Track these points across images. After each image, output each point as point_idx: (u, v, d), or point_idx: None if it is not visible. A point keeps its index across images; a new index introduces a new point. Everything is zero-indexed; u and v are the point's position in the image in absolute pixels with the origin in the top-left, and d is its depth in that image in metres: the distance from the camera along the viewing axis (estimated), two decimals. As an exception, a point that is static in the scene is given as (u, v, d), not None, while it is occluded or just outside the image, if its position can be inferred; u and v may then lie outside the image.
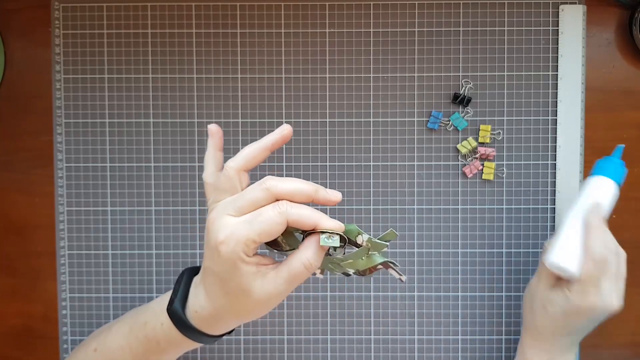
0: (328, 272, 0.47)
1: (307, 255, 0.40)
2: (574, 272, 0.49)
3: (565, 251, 0.50)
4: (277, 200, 0.40)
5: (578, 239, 0.50)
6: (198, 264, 0.62)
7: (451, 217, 0.61)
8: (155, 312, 0.46)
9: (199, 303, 0.43)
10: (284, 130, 0.43)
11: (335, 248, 0.41)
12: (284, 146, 0.61)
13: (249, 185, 0.42)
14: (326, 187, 0.61)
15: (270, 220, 0.39)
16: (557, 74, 0.60)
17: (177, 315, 0.44)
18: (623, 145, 0.53)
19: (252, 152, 0.42)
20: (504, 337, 0.62)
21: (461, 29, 0.60)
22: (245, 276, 0.40)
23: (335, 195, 0.41)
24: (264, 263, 0.41)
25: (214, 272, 0.41)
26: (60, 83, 0.61)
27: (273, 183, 0.40)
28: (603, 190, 0.52)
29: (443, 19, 0.60)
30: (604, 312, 0.49)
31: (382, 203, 0.61)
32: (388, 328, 0.62)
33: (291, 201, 0.40)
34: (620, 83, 0.61)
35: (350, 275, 0.43)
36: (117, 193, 0.61)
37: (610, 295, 0.48)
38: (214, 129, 0.45)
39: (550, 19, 0.60)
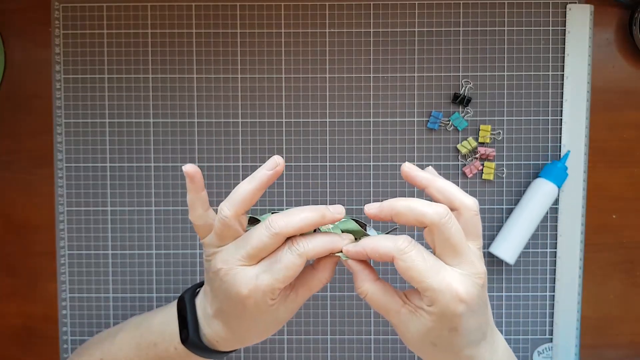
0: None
1: (325, 275, 0.41)
2: (509, 262, 0.59)
3: (503, 244, 0.59)
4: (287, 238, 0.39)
5: (516, 235, 0.58)
6: (198, 265, 0.62)
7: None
8: (163, 335, 0.46)
9: (218, 334, 0.43)
10: (277, 165, 0.39)
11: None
12: (284, 146, 0.61)
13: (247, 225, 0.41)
14: (326, 187, 0.61)
15: (291, 264, 0.38)
16: (562, 74, 0.60)
17: (197, 346, 0.43)
18: (569, 151, 0.59)
19: (246, 194, 0.39)
20: (503, 337, 0.62)
21: (461, 29, 0.60)
22: (271, 312, 0.40)
23: (339, 212, 0.40)
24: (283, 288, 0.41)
25: (236, 316, 0.41)
26: (60, 83, 0.61)
27: (281, 224, 0.38)
28: (544, 193, 0.58)
29: (443, 19, 0.60)
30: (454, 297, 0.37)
31: (382, 203, 0.61)
32: (388, 328, 0.62)
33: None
34: (620, 83, 0.61)
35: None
36: (117, 193, 0.61)
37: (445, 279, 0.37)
38: (191, 172, 0.41)
39: (559, 19, 0.60)
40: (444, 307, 0.37)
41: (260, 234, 0.38)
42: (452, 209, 0.38)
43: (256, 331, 0.42)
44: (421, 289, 0.37)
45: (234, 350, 0.46)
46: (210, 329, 0.43)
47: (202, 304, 0.44)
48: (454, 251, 0.37)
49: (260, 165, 0.59)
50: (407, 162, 0.41)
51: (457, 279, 0.37)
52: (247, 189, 0.39)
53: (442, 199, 0.39)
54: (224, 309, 0.41)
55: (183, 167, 0.41)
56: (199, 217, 0.42)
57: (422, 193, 0.61)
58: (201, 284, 0.46)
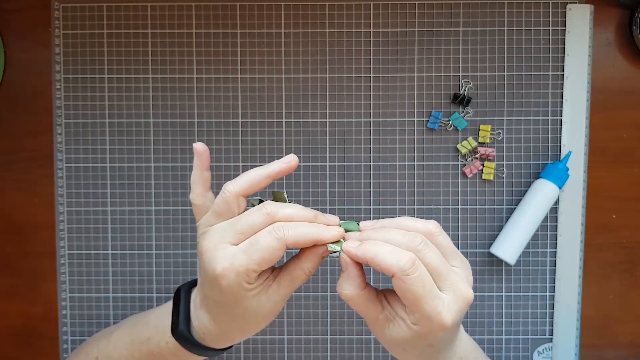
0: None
1: (308, 266, 0.40)
2: (510, 262, 0.58)
3: (504, 245, 0.59)
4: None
5: (517, 235, 0.58)
6: (198, 265, 0.62)
7: (451, 217, 0.61)
8: (157, 329, 0.46)
9: (205, 326, 0.43)
10: (291, 161, 0.40)
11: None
12: (284, 146, 0.61)
13: (245, 210, 0.40)
14: (326, 187, 0.61)
15: (268, 247, 0.37)
16: (562, 74, 0.60)
17: (185, 338, 0.43)
18: (570, 152, 0.59)
19: (255, 178, 0.40)
20: (503, 337, 0.62)
21: (461, 29, 0.60)
22: (250, 300, 0.39)
23: (333, 220, 0.40)
24: (264, 277, 0.40)
25: (216, 302, 0.41)
26: (60, 83, 0.61)
27: (274, 209, 0.38)
28: (545, 193, 0.58)
29: (443, 19, 0.60)
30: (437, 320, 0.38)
31: (382, 203, 0.61)
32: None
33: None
34: (620, 83, 0.61)
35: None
36: (117, 193, 0.61)
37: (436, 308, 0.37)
38: (200, 149, 0.42)
39: (559, 19, 0.60)
40: (427, 331, 0.37)
41: (251, 213, 0.38)
42: None
43: (238, 324, 0.42)
44: (411, 309, 0.37)
45: (224, 350, 0.45)
46: (198, 320, 0.43)
47: (195, 296, 0.44)
48: (437, 275, 0.38)
49: (261, 165, 0.59)
50: (362, 223, 0.41)
51: (447, 307, 0.37)
52: (255, 173, 0.40)
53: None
54: (206, 293, 0.41)
55: (194, 144, 0.42)
56: (198, 195, 0.42)
57: (421, 193, 0.61)
58: None
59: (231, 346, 0.46)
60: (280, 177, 0.41)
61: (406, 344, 0.39)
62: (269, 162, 0.60)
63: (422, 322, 0.37)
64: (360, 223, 0.41)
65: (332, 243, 0.39)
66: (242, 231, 0.38)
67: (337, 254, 0.40)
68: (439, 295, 0.37)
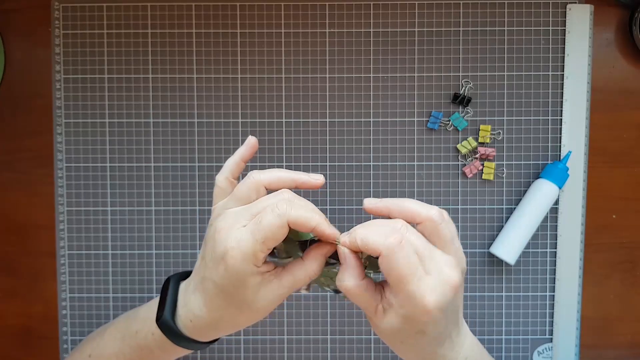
0: (318, 288, 0.49)
1: (313, 268, 0.41)
2: (510, 262, 0.59)
3: (504, 244, 0.59)
4: None
5: (517, 235, 0.58)
6: (197, 255, 0.62)
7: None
8: (145, 320, 0.46)
9: (194, 312, 0.43)
10: (319, 180, 0.42)
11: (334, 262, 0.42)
12: (284, 146, 0.61)
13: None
14: (326, 187, 0.61)
15: (271, 226, 0.38)
16: (562, 74, 0.60)
17: (168, 327, 0.43)
18: (570, 152, 0.59)
19: (281, 176, 0.41)
20: (503, 337, 0.62)
21: (461, 29, 0.60)
22: (250, 288, 0.40)
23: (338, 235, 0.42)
24: (267, 270, 0.41)
25: (216, 284, 0.41)
26: (60, 83, 0.61)
27: (290, 196, 0.39)
28: (545, 193, 0.59)
29: (443, 19, 0.60)
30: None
31: (382, 203, 0.61)
32: (388, 328, 0.62)
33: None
34: (620, 83, 0.61)
35: (340, 293, 0.42)
36: (117, 193, 0.61)
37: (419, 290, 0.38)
38: (252, 142, 0.45)
39: (559, 19, 0.60)
40: (412, 314, 0.38)
41: (267, 199, 0.40)
42: (418, 224, 0.40)
43: (230, 313, 0.42)
44: (396, 290, 0.38)
45: (206, 344, 0.45)
46: (187, 307, 0.43)
47: (187, 284, 0.44)
48: (419, 256, 0.38)
49: (260, 165, 0.59)
50: (366, 200, 0.42)
51: (431, 288, 0.37)
52: (282, 173, 0.42)
53: (406, 218, 0.40)
54: (208, 275, 0.41)
55: (250, 136, 0.45)
56: (225, 179, 0.44)
57: (421, 193, 0.61)
58: (191, 272, 0.46)
59: (213, 341, 0.46)
60: (303, 188, 0.42)
61: (400, 333, 0.39)
62: (268, 162, 0.61)
63: (406, 304, 0.37)
64: (365, 200, 0.41)
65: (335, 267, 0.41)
66: (257, 214, 0.39)
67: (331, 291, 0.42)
68: (424, 277, 0.38)
